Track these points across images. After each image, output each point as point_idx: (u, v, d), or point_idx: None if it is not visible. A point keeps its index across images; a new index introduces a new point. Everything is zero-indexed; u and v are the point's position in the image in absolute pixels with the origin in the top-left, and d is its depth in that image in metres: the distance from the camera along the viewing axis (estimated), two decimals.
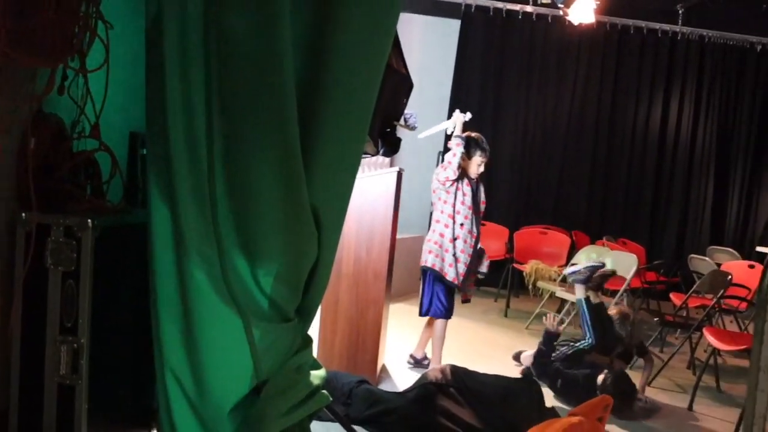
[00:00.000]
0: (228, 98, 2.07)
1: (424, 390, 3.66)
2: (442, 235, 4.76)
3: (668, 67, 9.68)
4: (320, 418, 3.41)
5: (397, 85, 3.11)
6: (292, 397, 2.35)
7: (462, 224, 4.74)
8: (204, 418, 2.23)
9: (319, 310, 4.32)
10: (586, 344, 4.67)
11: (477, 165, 4.81)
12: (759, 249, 9.52)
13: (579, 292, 4.88)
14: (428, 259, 4.74)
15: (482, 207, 4.98)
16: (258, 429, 2.22)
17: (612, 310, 4.90)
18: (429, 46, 9.43)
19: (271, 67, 2.04)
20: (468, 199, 4.77)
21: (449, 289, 4.75)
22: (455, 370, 3.87)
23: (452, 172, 4.67)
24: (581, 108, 9.57)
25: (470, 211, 4.78)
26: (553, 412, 3.97)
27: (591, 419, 3.09)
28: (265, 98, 2.06)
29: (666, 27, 9.48)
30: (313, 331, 4.79)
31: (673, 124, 9.76)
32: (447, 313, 4.78)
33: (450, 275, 4.71)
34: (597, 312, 4.76)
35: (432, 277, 4.75)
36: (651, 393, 4.92)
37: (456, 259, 4.71)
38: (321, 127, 2.17)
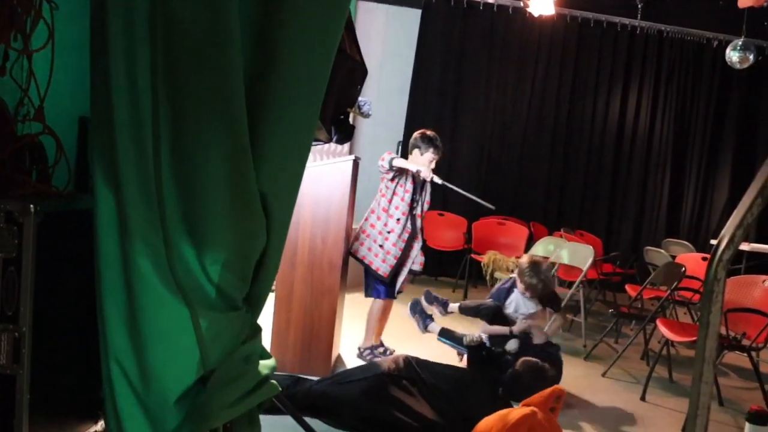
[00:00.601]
0: (174, 83, 2.02)
1: (376, 381, 3.63)
2: (372, 226, 4.80)
3: (627, 61, 9.79)
4: (270, 411, 3.39)
5: (350, 71, 3.07)
6: (239, 387, 2.32)
7: (399, 219, 4.77)
8: (149, 408, 2.19)
9: (273, 299, 4.29)
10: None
11: (428, 162, 4.79)
12: (713, 242, 9.69)
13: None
14: (358, 249, 4.79)
15: (425, 206, 4.99)
16: (205, 419, 2.19)
17: (523, 258, 4.97)
18: (390, 36, 9.41)
19: (219, 52, 2.00)
20: (408, 196, 4.79)
21: None
22: (409, 360, 3.85)
23: (387, 163, 4.73)
24: (541, 100, 9.63)
25: (404, 205, 4.80)
26: (506, 403, 3.99)
27: (544, 410, 3.12)
28: (212, 84, 2.01)
29: (625, 21, 9.58)
30: (267, 321, 4.75)
31: (631, 118, 9.88)
32: (382, 294, 4.86)
33: (377, 267, 4.76)
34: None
35: (357, 260, 4.86)
36: (604, 383, 4.97)
37: (386, 252, 4.75)
38: (270, 114, 2.13)
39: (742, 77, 10.01)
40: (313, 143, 3.67)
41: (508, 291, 4.92)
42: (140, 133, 2.02)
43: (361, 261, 4.79)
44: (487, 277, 7.31)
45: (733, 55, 8.22)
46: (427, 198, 5.00)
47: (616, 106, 9.83)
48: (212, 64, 2.00)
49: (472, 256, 7.84)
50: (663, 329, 4.49)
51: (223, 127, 2.04)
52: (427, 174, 4.68)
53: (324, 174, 4.19)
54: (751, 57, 8.13)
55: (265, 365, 2.49)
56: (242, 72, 2.05)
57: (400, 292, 5.03)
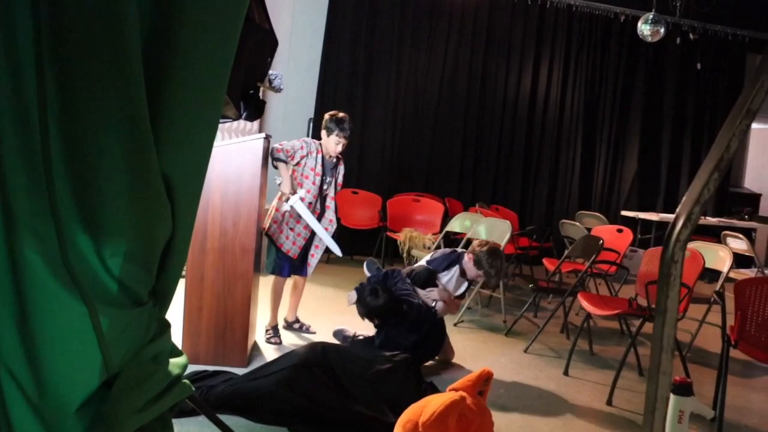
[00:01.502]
0: (62, 58, 1.78)
1: (292, 371, 3.44)
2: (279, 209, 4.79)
3: (538, 34, 9.81)
4: (183, 413, 3.19)
5: (259, 42, 2.86)
6: (148, 390, 2.11)
7: (310, 202, 4.74)
8: (46, 419, 1.96)
9: (183, 287, 4.06)
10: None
11: (335, 144, 4.77)
12: (624, 213, 9.88)
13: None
14: (270, 227, 4.77)
15: (337, 188, 4.99)
16: (111, 427, 1.98)
17: (481, 245, 4.83)
18: (299, 9, 9.14)
19: (112, 21, 1.77)
20: (318, 179, 4.77)
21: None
22: (324, 348, 3.67)
23: (281, 153, 4.69)
24: (453, 75, 9.54)
25: (315, 188, 4.76)
26: (432, 387, 3.88)
27: (472, 393, 3.01)
28: (105, 56, 1.78)
29: None
30: (178, 310, 4.51)
31: (542, 92, 9.91)
32: (285, 271, 4.84)
33: (288, 249, 4.77)
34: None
35: (270, 240, 4.81)
36: (527, 360, 4.93)
37: (297, 234, 4.76)
38: (171, 89, 1.92)
39: (649, 52, 10.19)
40: (221, 121, 3.45)
41: (450, 264, 4.86)
42: (25, 112, 1.78)
43: (272, 241, 4.76)
44: (404, 255, 7.21)
45: (644, 29, 8.32)
46: (340, 179, 4.99)
47: (528, 80, 9.85)
48: (105, 35, 1.77)
49: (388, 234, 7.73)
50: (585, 303, 4.47)
51: (119, 105, 1.81)
52: (285, 188, 4.69)
53: (233, 153, 3.96)
54: (662, 30, 8.25)
55: (176, 364, 2.29)
56: (139, 43, 1.83)
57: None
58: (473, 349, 4.99)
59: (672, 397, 3.53)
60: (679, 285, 1.35)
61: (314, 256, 4.91)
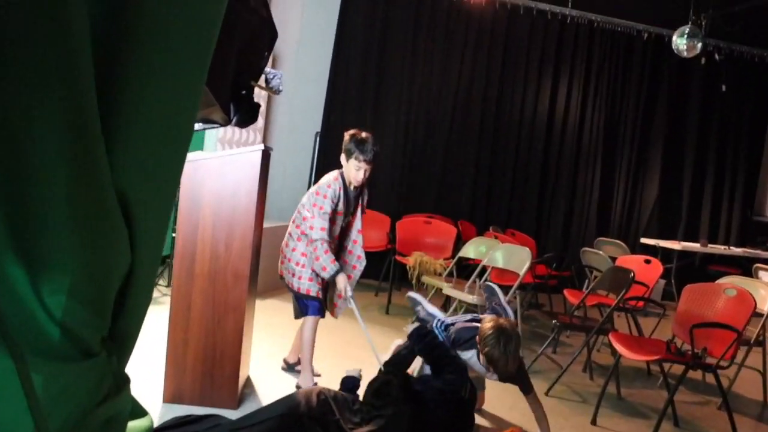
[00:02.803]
0: None
1: (279, 422, 2.96)
2: (294, 250, 4.16)
3: (557, 51, 9.36)
4: None
5: (254, 31, 2.39)
6: None
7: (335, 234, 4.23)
8: None
9: (168, 317, 3.59)
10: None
11: (355, 170, 4.07)
12: (643, 240, 9.39)
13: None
14: (284, 273, 4.25)
15: (363, 212, 4.37)
16: None
17: (487, 321, 3.63)
18: (308, 19, 8.74)
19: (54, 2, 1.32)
20: (339, 218, 4.21)
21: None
22: (324, 396, 3.18)
23: (318, 229, 4.01)
24: (468, 91, 9.10)
25: (340, 217, 4.22)
26: None
27: None
28: (41, 42, 1.32)
29: (556, 9, 9.14)
30: (161, 343, 4.04)
31: (561, 111, 9.46)
32: (316, 310, 4.14)
33: (308, 289, 4.11)
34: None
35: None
36: (550, 404, 4.43)
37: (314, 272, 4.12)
38: (129, 83, 1.46)
39: (672, 72, 9.76)
40: (206, 126, 3.00)
41: (469, 342, 3.78)
42: None
43: (288, 287, 4.20)
44: (413, 281, 6.73)
45: (679, 43, 7.87)
46: (365, 202, 4.38)
47: (546, 98, 9.39)
48: (45, 18, 1.31)
49: (397, 257, 7.24)
50: (618, 346, 3.98)
51: (61, 108, 1.34)
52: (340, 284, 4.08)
53: (227, 166, 3.49)
54: (699, 45, 7.79)
55: (136, 429, 1.83)
56: (87, 24, 1.37)
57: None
58: (490, 391, 4.49)
59: None
60: None
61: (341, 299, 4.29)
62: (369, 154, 4.05)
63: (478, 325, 3.70)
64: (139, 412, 1.88)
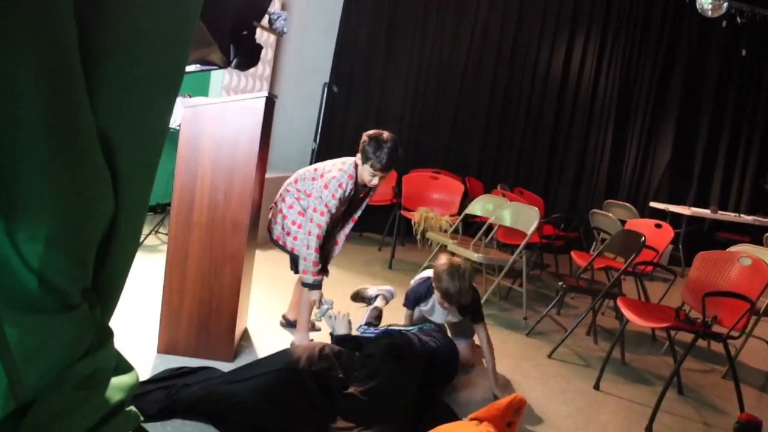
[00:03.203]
0: None
1: (277, 377, 2.86)
2: (294, 223, 3.92)
3: (575, 8, 9.12)
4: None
5: None
6: (76, 425, 1.54)
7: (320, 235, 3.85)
8: None
9: (164, 267, 3.49)
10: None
11: (369, 176, 3.74)
12: (652, 204, 9.25)
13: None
14: (281, 237, 3.99)
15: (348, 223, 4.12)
16: None
17: (441, 259, 3.81)
18: None
19: None
20: (340, 209, 3.92)
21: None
22: (327, 355, 3.08)
23: (316, 226, 3.77)
24: (480, 48, 8.89)
25: (336, 216, 3.93)
26: (448, 412, 3.27)
27: (500, 426, 2.44)
28: None
29: None
30: (156, 292, 3.94)
31: (575, 71, 9.26)
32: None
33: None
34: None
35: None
36: (552, 367, 4.35)
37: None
38: (112, 17, 1.33)
39: (692, 34, 9.52)
40: (204, 68, 2.86)
41: (426, 294, 4.01)
42: None
43: (276, 241, 4.00)
44: (418, 237, 6.63)
45: (704, 2, 7.61)
46: (356, 214, 4.10)
47: (561, 57, 9.18)
48: None
49: (402, 212, 7.12)
50: (627, 312, 3.86)
51: (38, 44, 1.21)
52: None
53: (229, 113, 3.34)
54: (725, 5, 7.54)
55: (120, 386, 1.71)
56: None
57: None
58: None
59: None
60: None
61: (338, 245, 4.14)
62: (387, 164, 3.69)
63: (430, 275, 3.94)
64: (124, 367, 1.78)
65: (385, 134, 3.73)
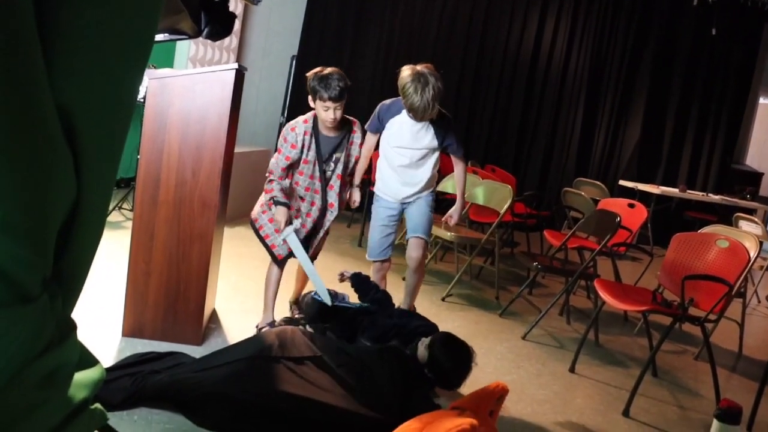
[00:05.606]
0: None
1: (248, 364, 2.73)
2: (267, 192, 3.80)
3: None
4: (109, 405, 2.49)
5: None
6: (37, 427, 1.42)
7: (302, 196, 3.81)
8: None
9: (129, 247, 3.34)
10: None
11: (323, 110, 3.58)
12: (622, 183, 9.24)
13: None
14: (258, 218, 3.84)
15: (350, 164, 3.92)
16: None
17: (404, 71, 3.70)
18: None
19: None
20: (308, 168, 3.76)
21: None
22: (301, 339, 2.97)
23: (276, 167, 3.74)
24: (452, 19, 8.77)
25: (312, 182, 3.78)
26: (426, 400, 3.17)
27: (483, 415, 2.36)
28: None
29: None
30: (121, 273, 3.78)
31: (546, 49, 9.18)
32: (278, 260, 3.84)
33: (276, 249, 3.82)
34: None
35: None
36: (526, 349, 4.29)
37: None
38: None
39: (663, 12, 9.47)
40: (173, 38, 2.69)
41: (395, 108, 3.88)
42: None
43: (259, 236, 3.83)
44: None
45: None
46: (356, 152, 3.89)
47: (532, 35, 9.08)
48: None
49: (372, 188, 6.97)
50: (603, 295, 3.80)
51: None
52: (280, 216, 3.73)
53: (197, 85, 3.18)
54: None
55: (83, 382, 1.58)
56: None
57: (313, 258, 4.00)
58: (465, 332, 4.32)
59: (716, 423, 2.91)
60: None
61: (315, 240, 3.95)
62: (335, 91, 3.52)
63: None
64: (88, 360, 1.65)
65: (328, 69, 3.61)
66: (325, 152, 3.77)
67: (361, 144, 3.90)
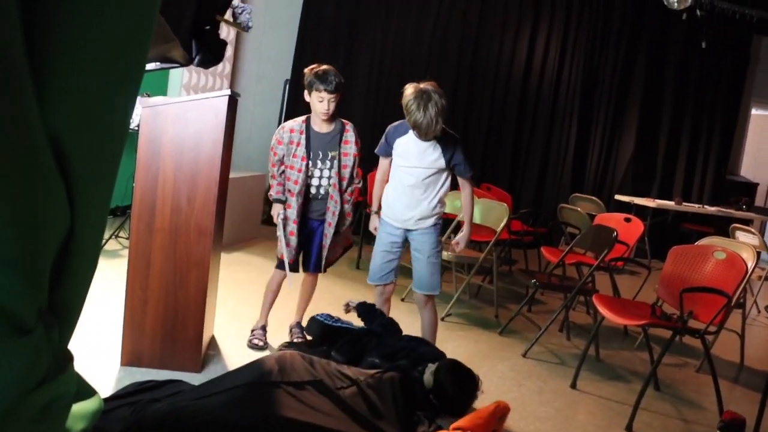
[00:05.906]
0: None
1: (247, 391, 2.72)
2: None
3: (536, 1, 9.07)
4: None
5: None
6: None
7: (291, 203, 3.91)
8: None
9: (126, 275, 3.33)
10: None
11: (318, 101, 3.79)
12: (618, 197, 9.25)
13: None
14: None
15: (347, 164, 4.03)
16: None
17: (407, 89, 3.76)
18: None
19: None
20: (298, 175, 3.88)
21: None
22: (300, 360, 2.96)
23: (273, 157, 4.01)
24: (443, 40, 8.82)
25: (303, 163, 3.89)
26: (430, 419, 3.16)
27: None
28: None
29: None
30: (118, 302, 3.78)
31: (538, 64, 9.23)
32: (281, 264, 3.96)
33: (283, 255, 3.95)
34: None
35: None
36: (527, 367, 4.28)
37: (287, 237, 3.94)
38: (65, 10, 1.19)
39: (653, 27, 9.53)
40: (164, 66, 2.71)
41: (402, 127, 3.91)
42: None
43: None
44: None
45: None
46: (352, 151, 4.02)
47: (524, 50, 9.13)
48: None
49: (368, 210, 6.98)
50: (603, 310, 3.80)
51: None
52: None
53: (190, 112, 3.20)
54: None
55: (81, 413, 1.57)
56: None
57: (328, 264, 4.19)
58: (466, 352, 4.32)
59: None
60: None
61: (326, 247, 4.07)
62: (331, 84, 3.76)
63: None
64: (86, 391, 1.63)
65: (324, 66, 3.85)
66: (316, 148, 3.90)
67: (356, 143, 4.02)
